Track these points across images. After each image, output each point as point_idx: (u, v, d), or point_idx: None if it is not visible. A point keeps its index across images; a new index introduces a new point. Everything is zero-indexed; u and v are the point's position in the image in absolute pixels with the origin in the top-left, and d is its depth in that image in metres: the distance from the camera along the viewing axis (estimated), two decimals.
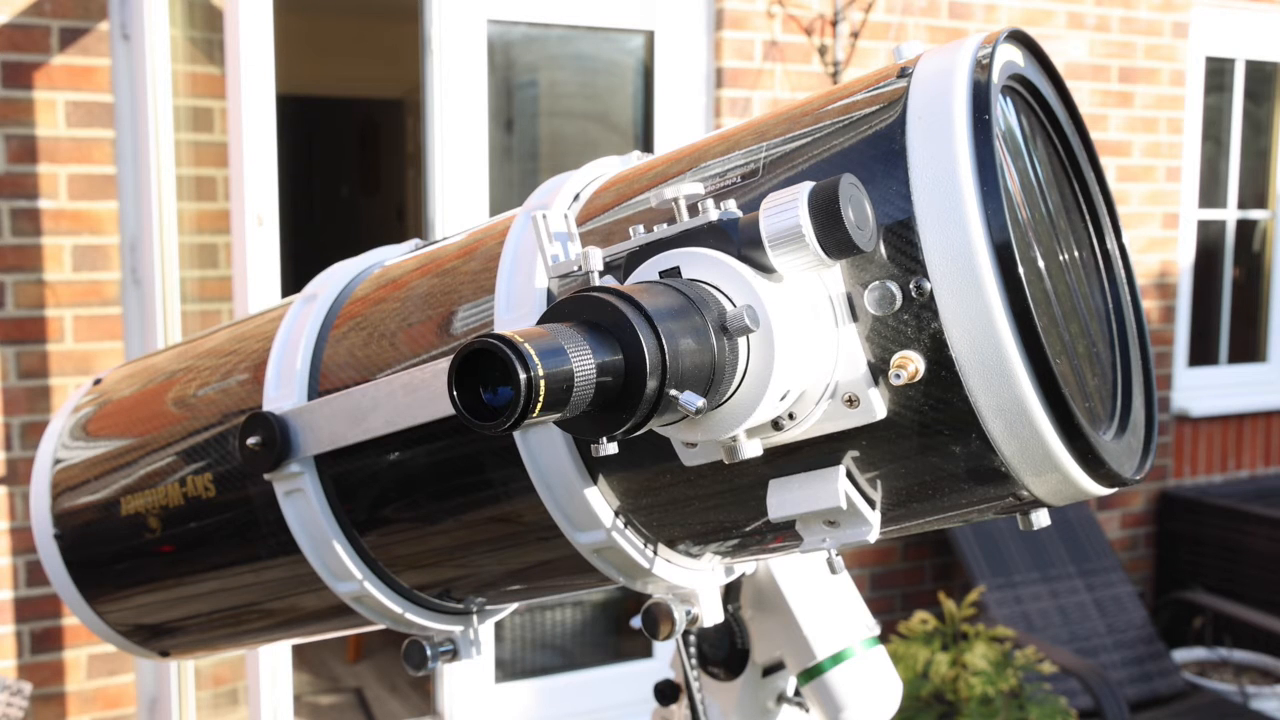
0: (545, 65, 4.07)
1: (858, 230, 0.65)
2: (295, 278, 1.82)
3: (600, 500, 0.83)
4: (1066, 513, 4.33)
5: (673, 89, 4.00)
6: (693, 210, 0.71)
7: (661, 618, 0.89)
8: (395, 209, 7.71)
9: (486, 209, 3.72)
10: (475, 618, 1.06)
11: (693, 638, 1.09)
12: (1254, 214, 5.34)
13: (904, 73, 0.74)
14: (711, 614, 0.92)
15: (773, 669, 1.13)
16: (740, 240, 0.68)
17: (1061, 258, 0.84)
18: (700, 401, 0.63)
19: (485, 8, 3.70)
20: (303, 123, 7.71)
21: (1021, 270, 0.66)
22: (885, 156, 0.70)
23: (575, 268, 0.73)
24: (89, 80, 3.24)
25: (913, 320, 0.68)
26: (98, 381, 1.25)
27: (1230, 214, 5.25)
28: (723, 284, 0.67)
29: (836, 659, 1.06)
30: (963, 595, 3.56)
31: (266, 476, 0.98)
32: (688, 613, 0.90)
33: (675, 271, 0.69)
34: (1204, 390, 5.10)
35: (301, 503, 0.97)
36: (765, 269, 0.67)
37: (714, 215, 0.69)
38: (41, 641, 3.29)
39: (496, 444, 0.85)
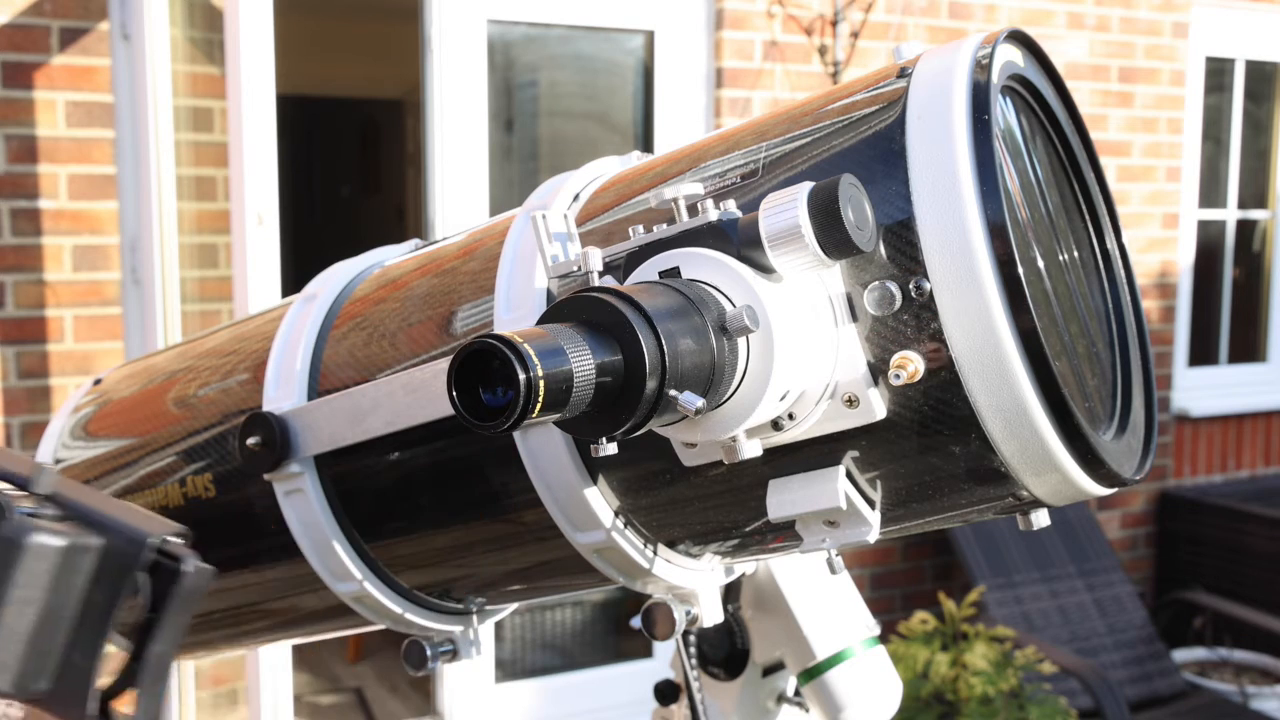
0: (545, 65, 4.07)
1: (857, 230, 0.65)
2: (295, 278, 1.82)
3: (600, 500, 0.83)
4: (1066, 513, 4.33)
5: (673, 89, 4.00)
6: (692, 210, 0.71)
7: (661, 618, 0.89)
8: (395, 209, 7.71)
9: (486, 209, 3.72)
10: (475, 618, 1.06)
11: (693, 638, 1.09)
12: (1254, 214, 5.34)
13: (904, 73, 0.74)
14: (711, 614, 0.91)
15: (773, 669, 1.13)
16: (740, 240, 0.68)
17: (1061, 258, 0.84)
18: (700, 402, 0.63)
19: (485, 8, 3.70)
20: (303, 123, 7.72)
21: (1021, 270, 0.66)
22: (885, 157, 0.70)
23: (575, 268, 0.73)
24: (89, 80, 3.25)
25: (912, 320, 0.68)
26: (98, 381, 1.24)
27: (1230, 214, 5.25)
28: (722, 284, 0.67)
29: (836, 659, 1.06)
30: (963, 595, 3.56)
31: (266, 477, 0.98)
32: (688, 613, 0.90)
33: (675, 272, 0.69)
34: (1204, 390, 5.11)
35: (301, 503, 0.97)
36: (765, 269, 0.67)
37: (713, 215, 0.69)
38: None
39: (496, 444, 0.85)
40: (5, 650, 0.50)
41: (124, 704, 0.55)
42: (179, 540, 0.54)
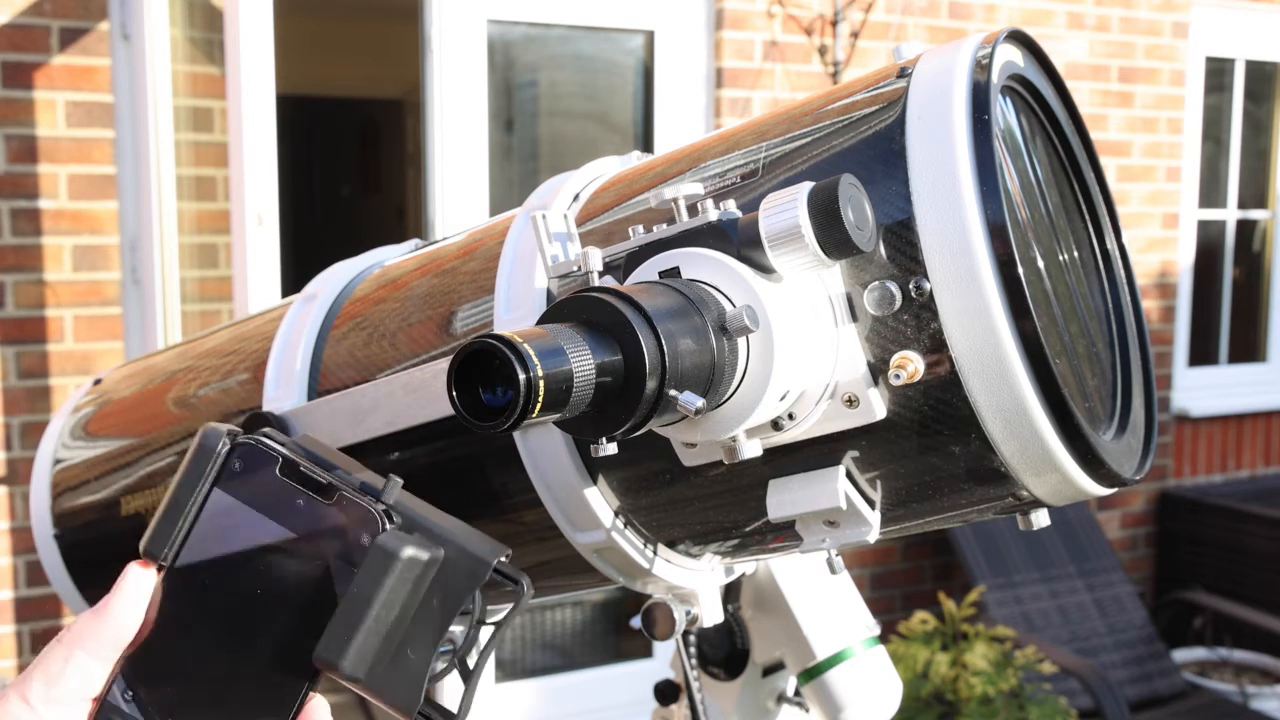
0: (545, 65, 4.08)
1: (857, 230, 0.65)
2: (295, 278, 1.82)
3: (600, 500, 0.83)
4: (1066, 513, 4.33)
5: (673, 89, 4.00)
6: (692, 210, 0.71)
7: (661, 618, 0.89)
8: (395, 209, 7.71)
9: (486, 209, 3.72)
10: None
11: (693, 638, 1.09)
12: (1254, 214, 5.34)
13: (904, 73, 0.74)
14: (711, 614, 0.92)
15: (773, 669, 1.13)
16: (739, 240, 0.68)
17: (1061, 258, 0.84)
18: (700, 402, 0.63)
19: (485, 8, 3.70)
20: (303, 123, 7.72)
21: (1021, 270, 0.66)
22: (885, 157, 0.70)
23: (575, 268, 0.73)
24: (89, 80, 3.25)
25: (912, 320, 0.68)
26: (98, 381, 1.24)
27: (1230, 214, 5.25)
28: (722, 284, 0.67)
29: (836, 659, 1.06)
30: (963, 595, 3.57)
31: None
32: (688, 613, 0.90)
33: (675, 272, 0.69)
34: (1204, 390, 5.11)
35: None
36: (765, 269, 0.67)
37: (713, 215, 0.69)
38: (41, 641, 3.29)
39: (496, 444, 0.85)
40: (367, 645, 0.58)
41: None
42: (507, 560, 0.61)
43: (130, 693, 0.61)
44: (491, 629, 0.62)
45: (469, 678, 0.61)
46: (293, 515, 0.61)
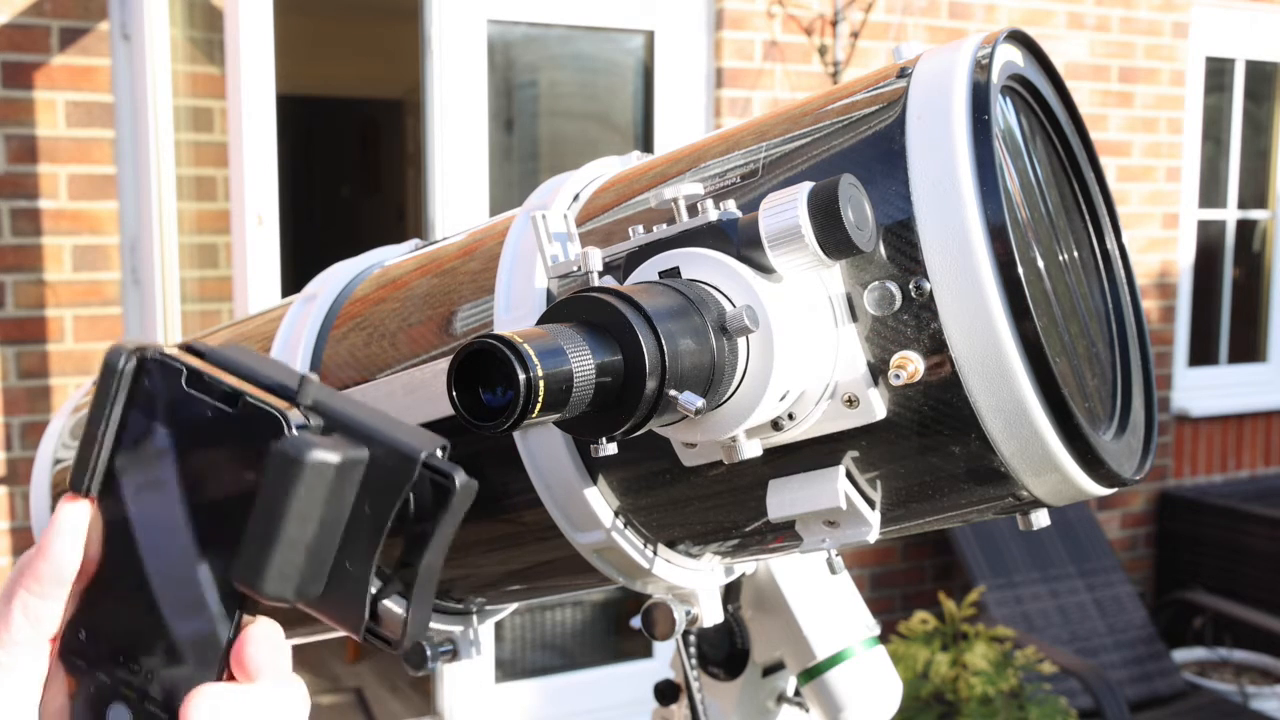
0: (545, 65, 4.08)
1: (857, 230, 0.65)
2: (295, 278, 1.82)
3: (600, 500, 0.83)
4: (1066, 513, 4.33)
5: (673, 89, 4.00)
6: (692, 210, 0.71)
7: (661, 618, 0.89)
8: (395, 209, 7.72)
9: (486, 209, 3.72)
10: (475, 618, 1.06)
11: (693, 638, 1.09)
12: (1254, 214, 5.34)
13: (903, 73, 0.74)
14: (711, 614, 0.91)
15: (773, 669, 1.13)
16: (739, 240, 0.68)
17: (1061, 258, 0.84)
18: (700, 402, 0.63)
19: (485, 8, 3.70)
20: (303, 123, 7.72)
21: (1021, 271, 0.66)
22: (885, 157, 0.70)
23: (575, 268, 0.73)
24: (89, 80, 3.25)
25: (912, 320, 0.68)
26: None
27: (1230, 214, 5.25)
28: (722, 284, 0.67)
29: (836, 659, 1.06)
30: (963, 595, 3.57)
31: None
32: (687, 613, 0.90)
33: (675, 272, 0.69)
34: (1204, 390, 5.11)
35: None
36: (765, 269, 0.67)
37: (713, 215, 0.69)
38: None
39: (496, 444, 0.85)
40: (287, 562, 0.52)
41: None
42: (443, 453, 0.55)
43: (84, 631, 0.59)
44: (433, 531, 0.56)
45: (411, 594, 0.55)
46: (204, 429, 0.56)
